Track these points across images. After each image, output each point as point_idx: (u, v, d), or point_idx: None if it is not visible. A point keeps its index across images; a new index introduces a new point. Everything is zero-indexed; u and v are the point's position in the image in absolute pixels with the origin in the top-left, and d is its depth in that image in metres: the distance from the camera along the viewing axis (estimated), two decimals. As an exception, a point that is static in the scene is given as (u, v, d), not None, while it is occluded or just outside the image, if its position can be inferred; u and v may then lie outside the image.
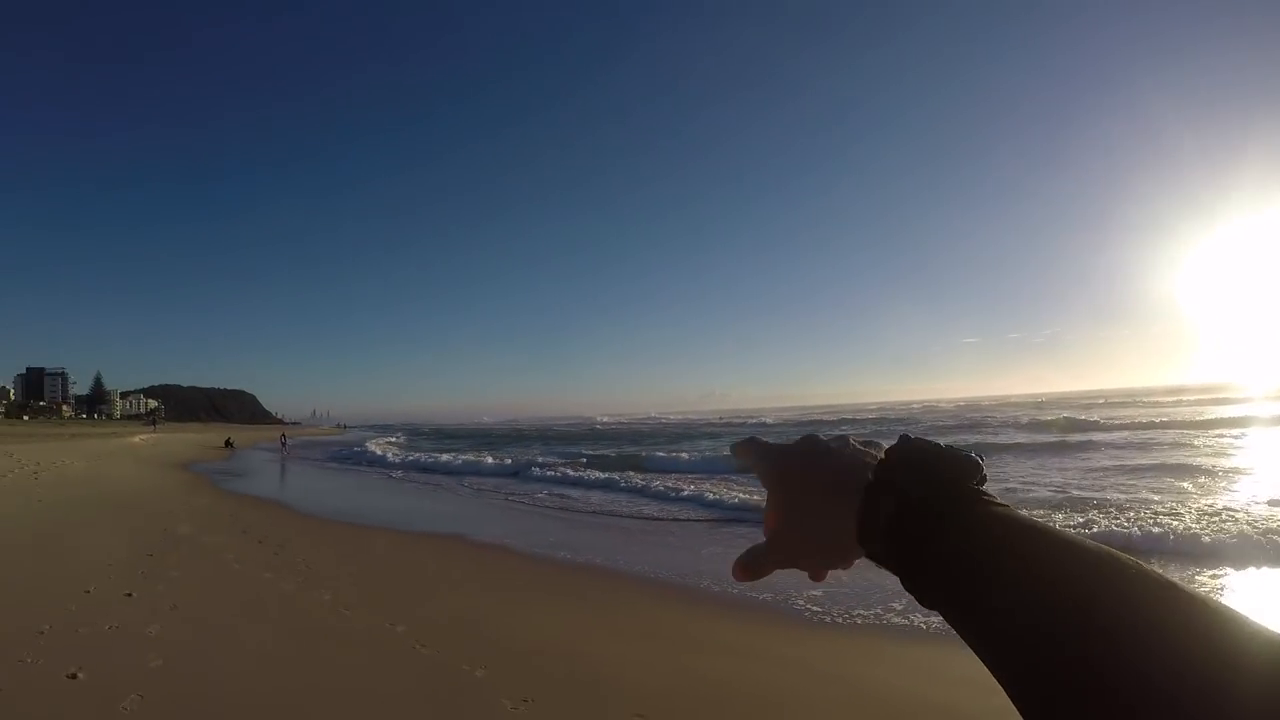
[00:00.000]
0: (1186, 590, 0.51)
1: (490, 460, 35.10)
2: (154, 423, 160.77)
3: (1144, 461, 23.67)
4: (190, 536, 12.62)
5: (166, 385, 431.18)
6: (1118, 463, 23.89)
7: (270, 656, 6.65)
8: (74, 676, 5.78)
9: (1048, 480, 20.53)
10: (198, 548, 11.57)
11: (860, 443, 0.75)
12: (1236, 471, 20.65)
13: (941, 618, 0.60)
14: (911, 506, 0.64)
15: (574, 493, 21.94)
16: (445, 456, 40.13)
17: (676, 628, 7.89)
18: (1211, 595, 0.53)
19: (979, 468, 0.66)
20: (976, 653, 0.57)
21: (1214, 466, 21.42)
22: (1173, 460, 23.50)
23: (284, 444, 55.33)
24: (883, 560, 0.66)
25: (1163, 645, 0.48)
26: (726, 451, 0.90)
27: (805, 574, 0.75)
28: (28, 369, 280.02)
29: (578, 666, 6.55)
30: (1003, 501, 0.63)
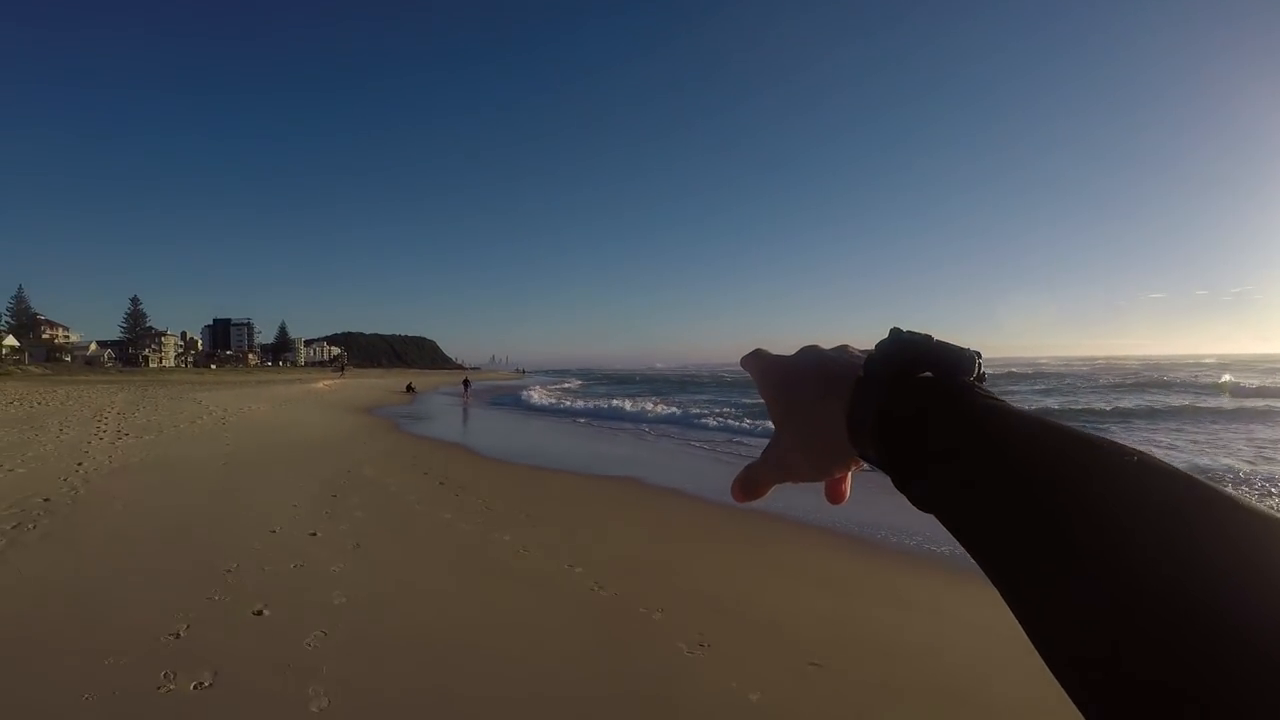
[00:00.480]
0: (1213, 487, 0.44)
1: (660, 408, 35.29)
2: (341, 368, 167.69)
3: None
4: (373, 479, 12.93)
5: (349, 333, 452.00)
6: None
7: (449, 595, 6.65)
8: (259, 613, 5.87)
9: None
10: (380, 489, 11.83)
11: (860, 351, 0.69)
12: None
13: (945, 526, 0.53)
14: (898, 400, 0.58)
15: (748, 440, 21.72)
16: (617, 402, 40.67)
17: (851, 578, 7.58)
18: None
19: (974, 361, 0.60)
20: (977, 559, 0.50)
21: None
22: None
23: (467, 388, 56.87)
24: (875, 461, 0.60)
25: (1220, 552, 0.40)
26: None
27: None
28: (214, 320, 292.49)
29: (753, 613, 6.35)
30: (999, 397, 0.57)
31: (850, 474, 0.70)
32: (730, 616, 6.20)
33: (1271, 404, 31.43)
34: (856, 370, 0.63)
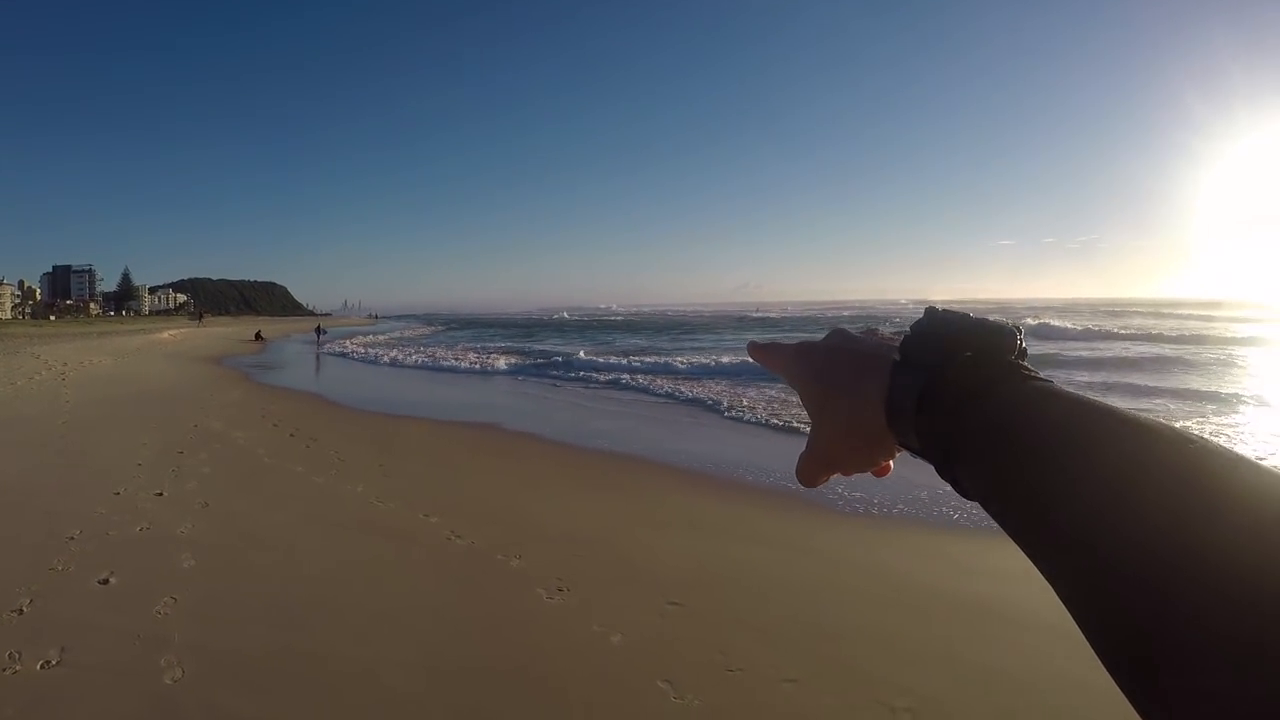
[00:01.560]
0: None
1: (514, 354, 35.10)
2: (199, 316, 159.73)
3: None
4: (221, 433, 12.50)
5: (195, 279, 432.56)
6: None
7: (303, 551, 6.55)
8: (105, 582, 5.65)
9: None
10: (229, 444, 11.46)
11: (891, 333, 0.67)
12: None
13: (988, 511, 0.52)
14: (939, 383, 0.55)
15: (604, 382, 21.95)
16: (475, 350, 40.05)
17: (712, 519, 7.79)
18: None
19: (1015, 338, 0.57)
20: (1025, 548, 0.48)
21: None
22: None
23: (320, 335, 55.35)
24: (914, 446, 0.58)
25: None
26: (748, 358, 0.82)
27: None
28: (54, 267, 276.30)
29: (613, 555, 6.48)
30: (1045, 377, 0.55)
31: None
32: (590, 561, 6.29)
33: (1064, 347, 32.86)
34: (891, 354, 0.61)
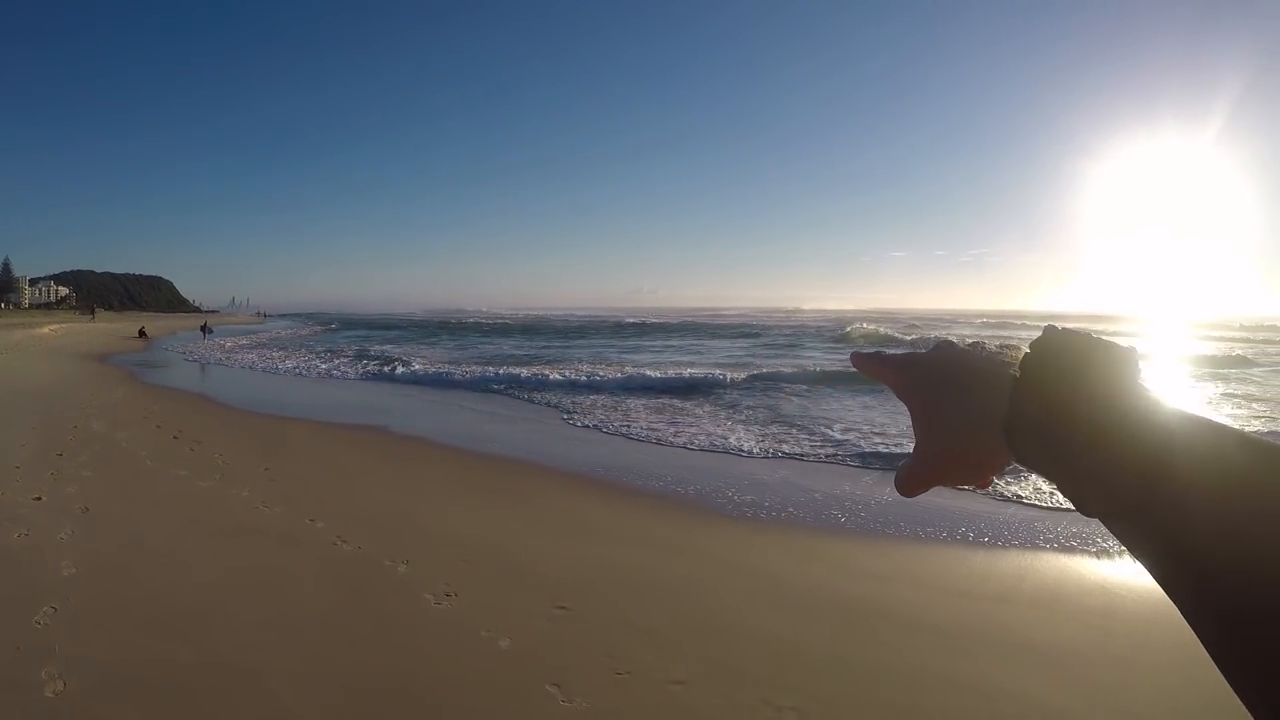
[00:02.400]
0: None
1: (415, 356, 34.48)
2: (91, 311, 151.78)
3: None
4: (103, 434, 12.11)
5: (79, 271, 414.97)
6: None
7: (187, 558, 6.45)
8: (-20, 591, 5.52)
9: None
10: (111, 446, 11.12)
11: (997, 346, 0.68)
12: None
13: (1108, 526, 0.53)
14: (1065, 407, 0.55)
15: (497, 386, 21.69)
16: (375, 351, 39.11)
17: (599, 522, 7.90)
18: None
19: (1135, 360, 0.56)
20: (1158, 571, 0.49)
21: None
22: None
23: (205, 333, 54.00)
24: (1035, 466, 0.58)
25: None
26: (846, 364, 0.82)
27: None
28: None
29: (500, 560, 6.53)
30: (1165, 399, 0.54)
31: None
32: (478, 566, 6.33)
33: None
34: (1006, 369, 0.62)
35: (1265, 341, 40.88)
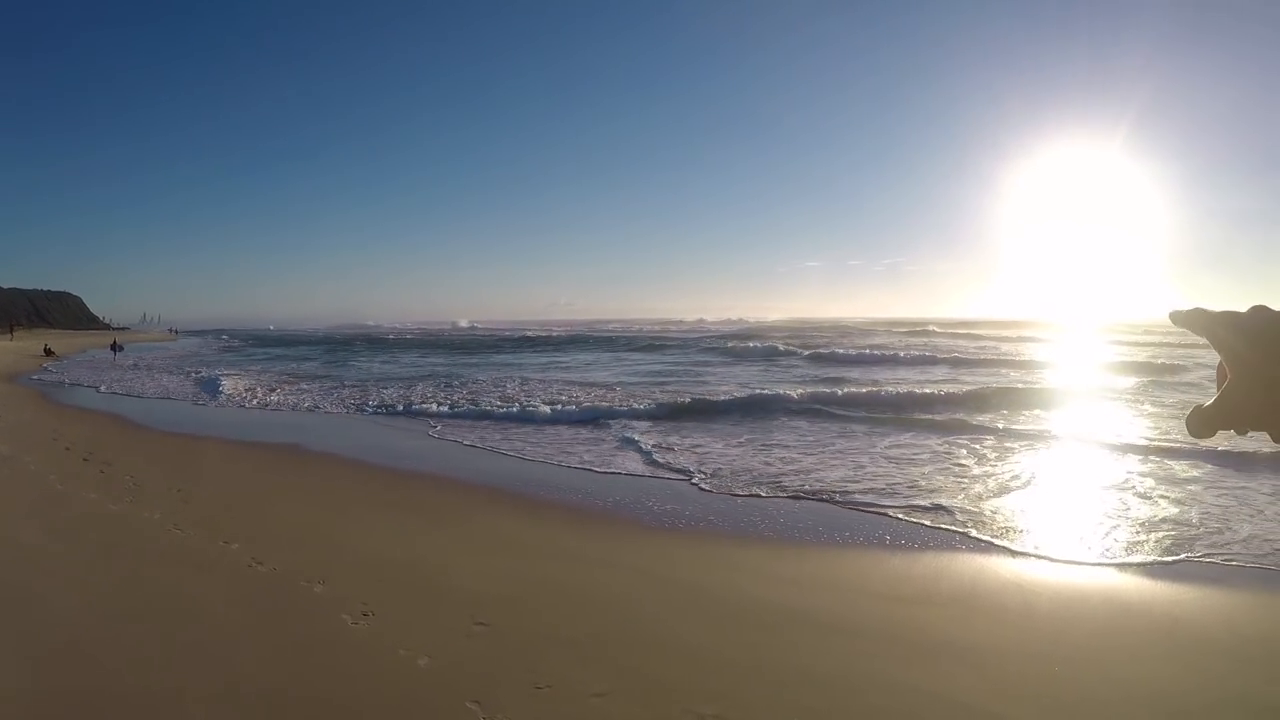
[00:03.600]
0: None
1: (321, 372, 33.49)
2: (10, 329, 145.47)
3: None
4: (9, 456, 11.66)
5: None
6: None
7: (96, 582, 6.26)
8: (-123, 623, 5.26)
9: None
10: (17, 469, 10.73)
11: None
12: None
13: None
14: None
15: (415, 402, 20.90)
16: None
17: (519, 537, 7.85)
18: None
19: None
20: None
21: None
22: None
23: (116, 351, 52.77)
24: None
25: None
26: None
27: None
28: None
29: (418, 577, 6.47)
30: None
31: None
32: (395, 584, 6.24)
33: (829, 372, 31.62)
34: None
35: (1176, 345, 42.04)
